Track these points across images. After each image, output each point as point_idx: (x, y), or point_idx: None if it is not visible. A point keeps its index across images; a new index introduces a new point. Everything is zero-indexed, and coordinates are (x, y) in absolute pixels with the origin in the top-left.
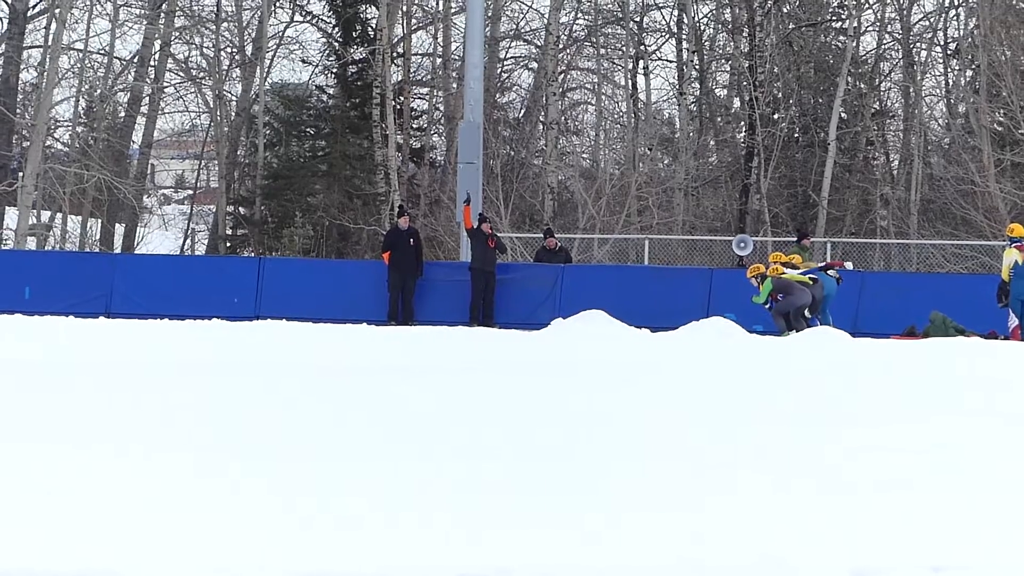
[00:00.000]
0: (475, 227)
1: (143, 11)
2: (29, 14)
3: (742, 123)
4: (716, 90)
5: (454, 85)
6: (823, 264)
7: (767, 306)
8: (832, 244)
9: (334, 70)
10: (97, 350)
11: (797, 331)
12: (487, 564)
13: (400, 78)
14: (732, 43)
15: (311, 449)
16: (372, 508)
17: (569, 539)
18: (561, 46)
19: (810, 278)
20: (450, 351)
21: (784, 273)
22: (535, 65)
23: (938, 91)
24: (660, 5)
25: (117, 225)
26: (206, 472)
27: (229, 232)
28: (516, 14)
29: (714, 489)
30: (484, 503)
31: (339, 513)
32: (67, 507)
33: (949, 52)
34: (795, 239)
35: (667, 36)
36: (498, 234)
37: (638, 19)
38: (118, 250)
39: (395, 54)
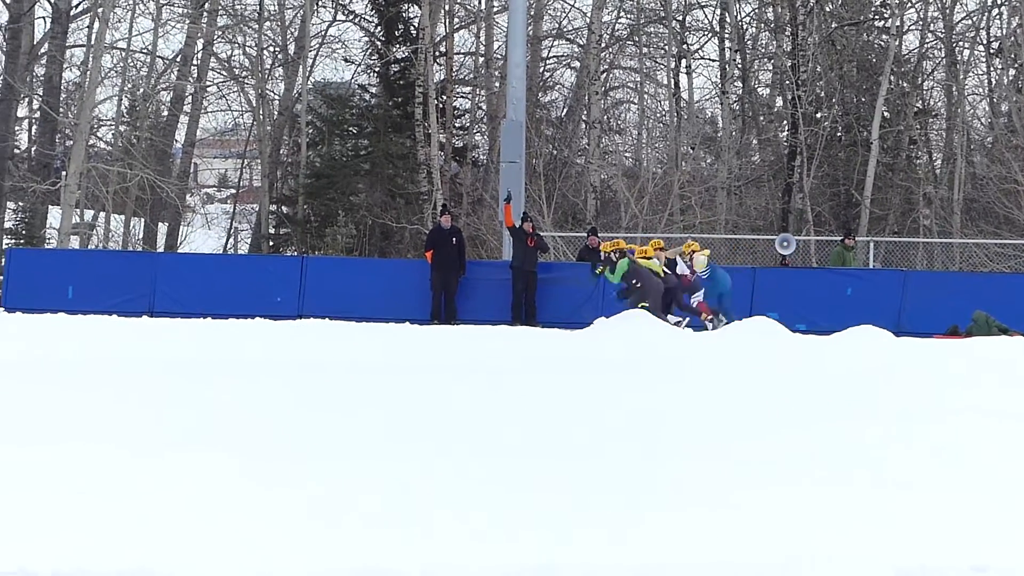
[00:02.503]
0: (516, 226)
1: (186, 10)
2: (72, 13)
3: (785, 122)
4: (759, 89)
5: (496, 84)
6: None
7: (618, 292)
8: (875, 243)
9: (376, 69)
10: (140, 349)
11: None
12: (527, 562)
13: (442, 77)
14: (775, 42)
15: (353, 447)
16: (413, 506)
17: (608, 537)
18: (603, 45)
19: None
20: (492, 350)
21: (650, 259)
22: (577, 64)
23: (981, 90)
24: (702, 4)
25: (160, 224)
26: (249, 470)
27: (272, 231)
28: (558, 13)
29: (756, 487)
30: (525, 501)
31: (378, 511)
32: (106, 506)
33: (992, 51)
34: (840, 238)
35: (709, 35)
36: (540, 233)
37: (680, 18)
38: (161, 249)
39: (437, 53)
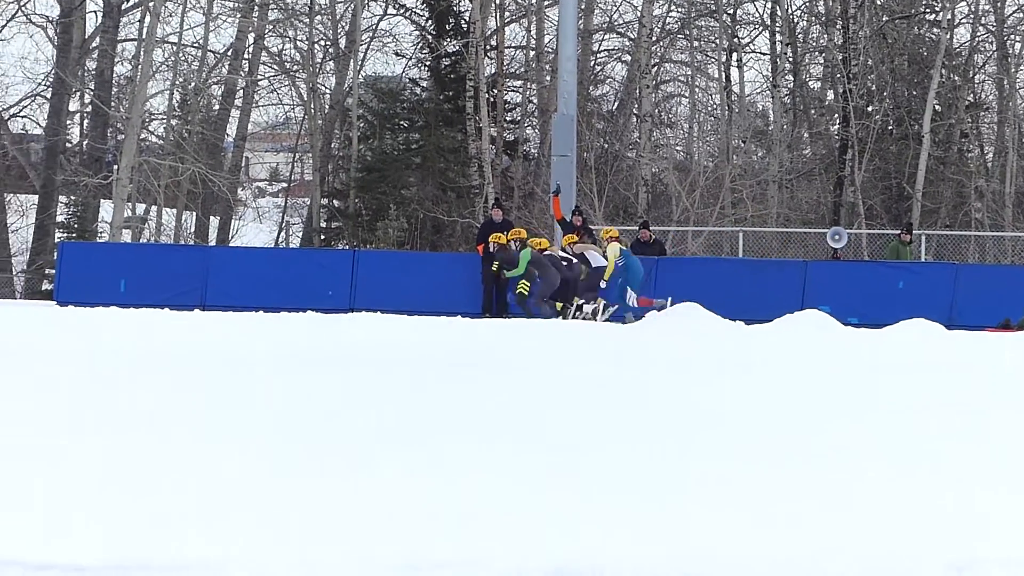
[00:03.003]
0: (565, 218)
1: (237, 4)
2: (123, 7)
3: (836, 115)
4: (810, 82)
5: (547, 78)
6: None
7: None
8: (926, 237)
9: (427, 63)
10: (192, 342)
11: (536, 315)
12: (581, 558)
13: (493, 71)
14: (826, 35)
15: (408, 443)
16: (467, 501)
17: (660, 534)
18: (654, 39)
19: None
20: (543, 343)
21: (547, 250)
22: (628, 58)
23: None
24: None
25: (212, 218)
26: (313, 463)
27: (323, 225)
28: (609, 6)
29: (812, 483)
30: (578, 497)
31: (430, 506)
32: (158, 499)
33: None
34: (897, 232)
35: (760, 28)
36: (591, 226)
37: (731, 11)
38: (213, 243)
39: (488, 47)
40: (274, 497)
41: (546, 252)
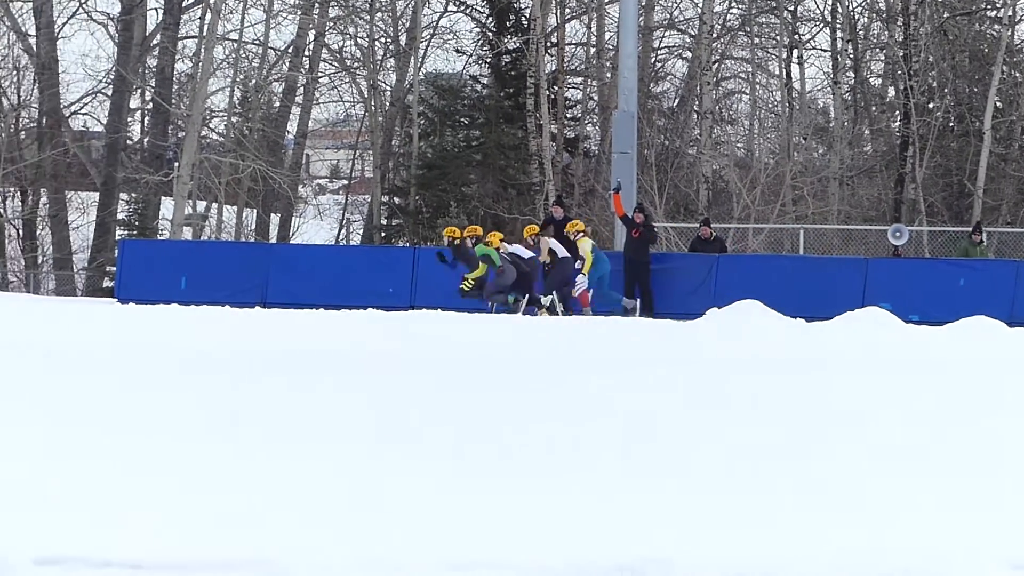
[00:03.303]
0: (627, 215)
1: (298, 1)
2: (184, 4)
3: (897, 112)
4: (871, 79)
5: (608, 74)
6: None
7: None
8: (988, 234)
9: (488, 60)
10: (253, 340)
11: (496, 311)
12: (647, 556)
13: (554, 67)
14: (886, 32)
15: (471, 441)
16: (530, 502)
17: (729, 534)
18: (715, 35)
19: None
20: (602, 341)
21: (499, 247)
22: (689, 54)
23: None
24: None
25: (272, 215)
26: (367, 463)
27: (384, 222)
28: (670, 3)
29: (872, 485)
30: (646, 497)
31: (497, 507)
32: (223, 497)
33: None
34: (968, 232)
35: (821, 25)
36: (653, 224)
37: (792, 8)
38: (274, 240)
39: (549, 43)
40: (329, 496)
41: (502, 248)
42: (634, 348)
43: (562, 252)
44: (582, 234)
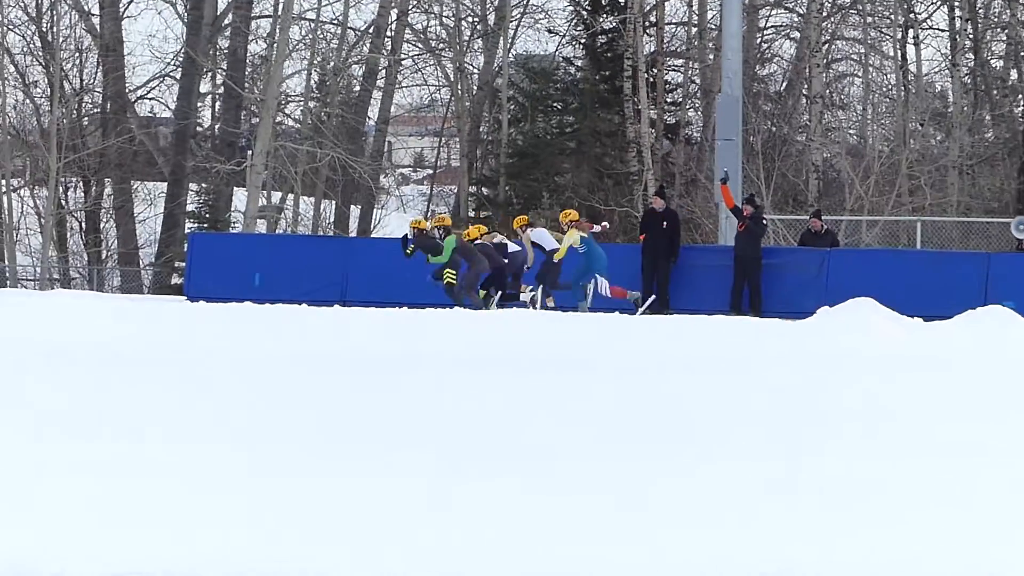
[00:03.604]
0: (737, 207)
1: None
2: None
3: (1020, 96)
4: (992, 61)
5: (711, 56)
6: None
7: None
8: None
9: (582, 40)
10: (332, 341)
11: (465, 306)
12: (780, 565)
13: (653, 49)
14: (1008, 11)
15: (554, 447)
16: (618, 509)
17: (851, 541)
18: (825, 14)
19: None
20: (705, 342)
21: (479, 238)
22: (797, 34)
23: None
24: None
25: (352, 207)
26: (450, 471)
27: (472, 214)
28: None
29: (1008, 490)
30: (754, 504)
31: (583, 515)
32: (294, 509)
33: None
34: None
35: (938, 3)
36: (764, 217)
37: None
38: (354, 233)
39: (647, 23)
40: (374, 503)
41: (478, 240)
42: (742, 349)
43: (550, 244)
44: (573, 224)
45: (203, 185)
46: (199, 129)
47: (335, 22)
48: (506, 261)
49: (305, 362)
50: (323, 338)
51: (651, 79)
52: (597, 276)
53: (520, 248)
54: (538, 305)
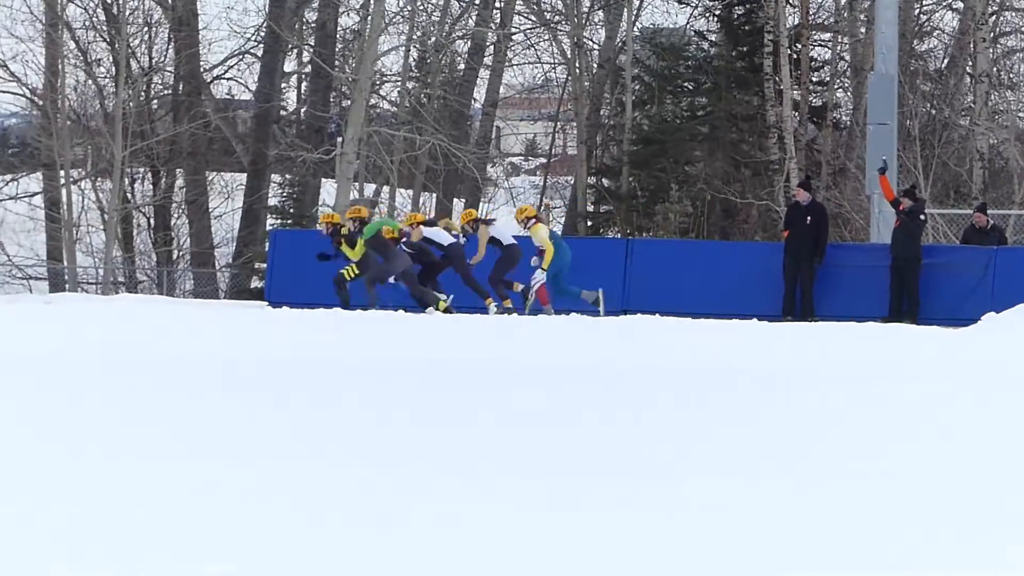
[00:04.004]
0: (898, 200)
1: None
2: None
3: None
4: None
5: (862, 30)
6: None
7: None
8: None
9: (716, 12)
10: (433, 349)
11: (426, 304)
12: None
13: (796, 21)
14: None
15: (674, 462)
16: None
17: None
18: None
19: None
20: (853, 352)
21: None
22: (960, 5)
23: None
24: None
25: (456, 200)
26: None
27: (590, 208)
28: None
29: None
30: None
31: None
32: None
33: None
34: None
35: None
36: (923, 212)
37: None
38: None
39: None
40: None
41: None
42: (894, 360)
43: (508, 239)
44: (534, 220)
45: (287, 176)
46: (283, 113)
47: None
48: (441, 255)
49: (405, 372)
50: (423, 345)
51: (794, 55)
52: (540, 270)
53: (455, 240)
54: (531, 295)
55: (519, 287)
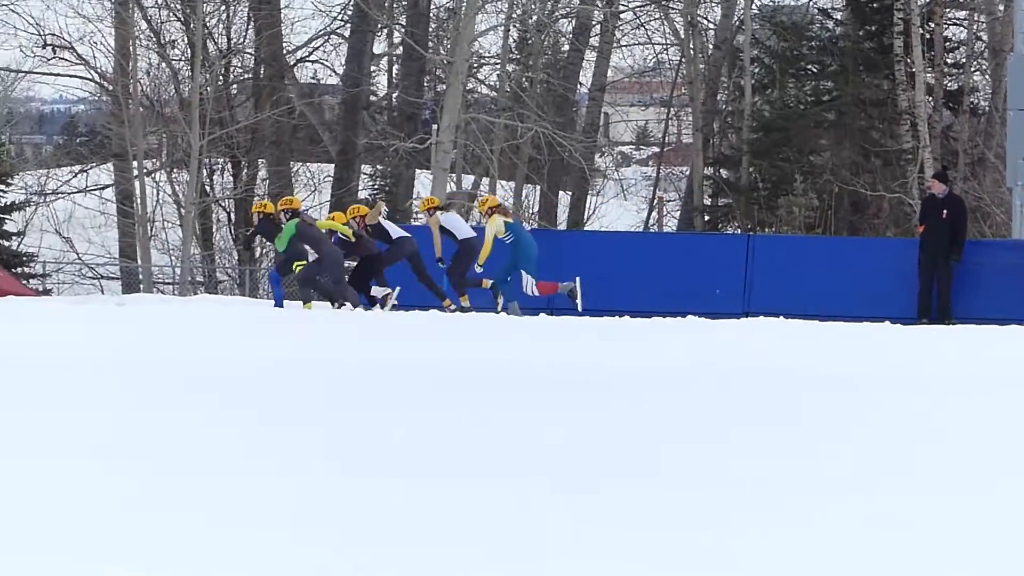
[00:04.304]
0: None
1: None
2: None
3: None
4: None
5: (1000, 7)
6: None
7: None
8: None
9: None
10: (521, 351)
11: (337, 302)
12: None
13: None
14: None
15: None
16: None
17: None
18: None
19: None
20: (994, 358)
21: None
22: None
23: None
24: None
25: (561, 193)
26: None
27: (707, 202)
28: None
29: None
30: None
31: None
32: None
33: None
34: None
35: None
36: None
37: None
38: (563, 226)
39: None
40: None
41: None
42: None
43: (464, 233)
44: (491, 212)
45: (378, 167)
46: (373, 99)
47: None
48: (387, 248)
49: (497, 376)
50: (517, 348)
51: (927, 35)
52: (523, 272)
53: (406, 234)
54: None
55: (488, 283)
